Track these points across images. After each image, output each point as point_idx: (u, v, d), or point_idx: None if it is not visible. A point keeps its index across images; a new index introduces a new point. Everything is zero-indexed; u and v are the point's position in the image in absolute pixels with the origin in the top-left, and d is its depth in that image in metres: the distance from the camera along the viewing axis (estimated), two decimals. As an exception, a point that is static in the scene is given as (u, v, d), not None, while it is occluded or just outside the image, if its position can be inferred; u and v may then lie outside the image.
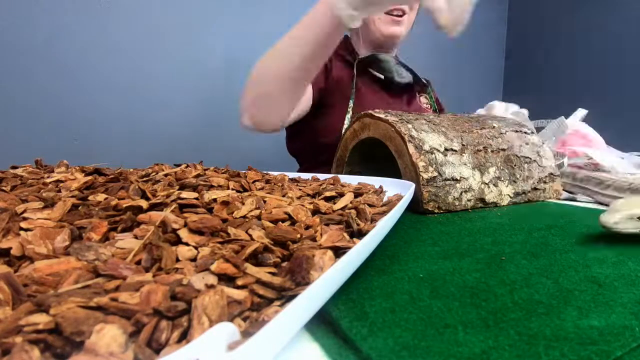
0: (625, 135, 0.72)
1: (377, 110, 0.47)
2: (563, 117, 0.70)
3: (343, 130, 0.76)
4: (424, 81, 1.00)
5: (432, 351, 0.15)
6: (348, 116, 0.81)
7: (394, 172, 0.45)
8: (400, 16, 0.84)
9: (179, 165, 0.39)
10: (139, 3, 1.51)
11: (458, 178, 0.42)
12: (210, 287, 0.15)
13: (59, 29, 1.38)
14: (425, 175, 0.40)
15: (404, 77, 0.91)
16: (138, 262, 0.17)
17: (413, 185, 0.35)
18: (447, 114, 0.52)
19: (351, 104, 0.83)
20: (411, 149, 0.41)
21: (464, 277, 0.22)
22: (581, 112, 0.77)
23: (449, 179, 0.41)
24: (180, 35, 1.58)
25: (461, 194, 0.42)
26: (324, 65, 0.81)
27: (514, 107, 0.76)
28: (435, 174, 0.40)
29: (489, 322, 0.17)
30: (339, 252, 0.20)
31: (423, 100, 1.01)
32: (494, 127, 0.49)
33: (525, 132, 0.51)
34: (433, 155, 0.41)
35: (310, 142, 0.86)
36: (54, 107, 1.40)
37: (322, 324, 0.18)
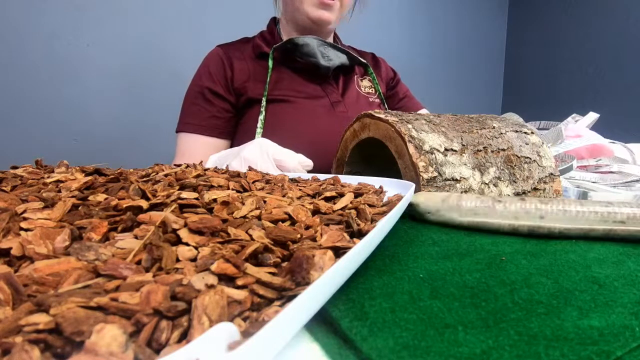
0: (624, 139, 0.72)
1: (377, 111, 0.47)
2: (562, 126, 0.69)
3: (258, 132, 0.73)
4: (363, 61, 0.87)
5: (432, 351, 0.15)
6: (261, 117, 0.75)
7: (394, 172, 0.45)
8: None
9: (179, 166, 0.39)
10: (142, 3, 1.51)
11: (458, 178, 0.42)
12: (210, 287, 0.15)
13: (59, 28, 1.38)
14: (425, 176, 0.40)
15: (332, 58, 0.79)
16: (138, 262, 0.17)
17: (413, 186, 0.35)
18: (448, 114, 0.52)
19: (263, 102, 0.75)
20: (411, 149, 0.41)
21: (464, 277, 0.22)
22: (592, 116, 0.74)
23: (449, 179, 0.41)
24: (181, 35, 1.58)
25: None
26: (224, 83, 0.78)
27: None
28: (436, 174, 0.40)
29: (489, 322, 0.17)
30: (339, 252, 0.20)
31: (366, 83, 0.90)
32: (494, 127, 0.49)
33: (525, 132, 0.51)
34: (433, 156, 0.41)
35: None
36: (54, 107, 1.40)
37: (322, 324, 0.18)
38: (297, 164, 0.53)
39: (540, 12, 2.59)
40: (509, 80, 2.85)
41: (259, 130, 0.74)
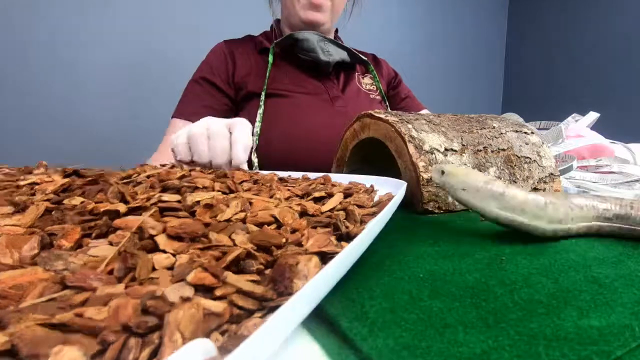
0: (624, 139, 0.71)
1: (377, 110, 0.46)
2: (562, 125, 0.68)
3: (257, 126, 0.72)
4: (364, 58, 0.87)
5: (432, 351, 0.15)
6: (260, 111, 0.74)
7: (394, 172, 0.44)
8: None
9: (163, 166, 0.37)
10: (142, 4, 1.50)
11: (457, 178, 0.41)
12: (185, 299, 0.14)
13: (59, 28, 1.37)
14: (425, 176, 0.39)
15: (332, 54, 0.80)
16: (111, 272, 0.16)
17: (405, 184, 0.34)
18: (448, 114, 0.51)
19: (262, 96, 0.75)
20: (411, 149, 0.40)
21: (464, 277, 0.22)
22: (593, 116, 0.73)
23: (448, 179, 0.40)
24: (181, 35, 1.58)
25: (460, 194, 0.41)
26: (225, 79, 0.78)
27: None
28: (435, 174, 0.39)
29: (489, 322, 0.17)
30: (325, 257, 0.19)
31: (367, 80, 0.90)
32: (494, 127, 0.48)
33: (525, 132, 0.50)
34: (433, 156, 0.40)
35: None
36: (54, 107, 1.39)
37: (322, 323, 0.18)
38: (239, 156, 0.48)
39: (540, 12, 2.58)
40: (509, 80, 2.84)
41: (257, 124, 0.74)
